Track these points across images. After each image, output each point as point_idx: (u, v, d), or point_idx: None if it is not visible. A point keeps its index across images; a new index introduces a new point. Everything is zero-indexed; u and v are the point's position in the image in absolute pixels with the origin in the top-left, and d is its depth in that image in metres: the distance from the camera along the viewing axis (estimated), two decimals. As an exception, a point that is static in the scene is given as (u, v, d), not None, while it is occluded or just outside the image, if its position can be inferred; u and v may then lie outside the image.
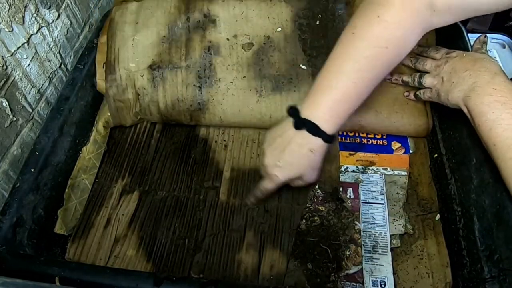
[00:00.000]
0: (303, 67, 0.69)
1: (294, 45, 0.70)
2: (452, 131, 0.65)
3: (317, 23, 0.71)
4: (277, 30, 0.71)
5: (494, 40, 1.30)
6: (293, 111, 0.56)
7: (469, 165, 0.58)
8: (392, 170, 0.67)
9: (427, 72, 0.63)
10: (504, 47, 1.30)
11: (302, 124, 0.54)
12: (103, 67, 0.72)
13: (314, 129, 0.54)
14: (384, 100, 0.68)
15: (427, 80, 0.62)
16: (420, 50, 0.65)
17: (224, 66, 0.70)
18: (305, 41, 0.71)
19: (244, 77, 0.70)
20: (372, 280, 0.58)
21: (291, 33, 0.71)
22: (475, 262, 0.53)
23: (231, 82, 0.70)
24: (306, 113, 0.54)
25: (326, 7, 0.72)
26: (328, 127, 0.54)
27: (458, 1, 0.51)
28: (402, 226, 0.61)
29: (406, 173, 0.67)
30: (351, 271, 0.58)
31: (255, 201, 0.63)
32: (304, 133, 0.54)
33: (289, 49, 0.70)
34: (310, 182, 0.60)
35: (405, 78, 0.66)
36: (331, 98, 0.53)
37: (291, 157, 0.56)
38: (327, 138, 0.54)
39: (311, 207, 0.63)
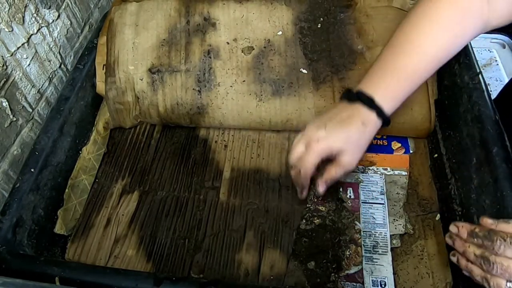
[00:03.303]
0: (304, 71, 0.69)
1: (294, 49, 0.70)
2: (452, 131, 0.65)
3: (318, 26, 0.71)
4: (278, 33, 0.71)
5: (494, 40, 1.30)
6: (346, 92, 0.53)
7: (469, 165, 0.58)
8: (392, 170, 0.67)
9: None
10: (504, 47, 1.30)
11: (357, 96, 0.51)
12: (103, 69, 0.72)
13: (369, 102, 0.50)
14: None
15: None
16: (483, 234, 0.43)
17: (224, 70, 0.70)
18: (306, 45, 0.70)
19: (244, 81, 0.70)
20: (372, 280, 0.58)
21: (291, 37, 0.71)
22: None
23: (231, 86, 0.70)
24: (362, 87, 0.52)
25: (327, 10, 0.72)
26: (384, 104, 0.51)
27: None
28: (402, 226, 0.61)
29: (406, 173, 0.67)
30: (351, 271, 0.58)
31: (303, 186, 0.56)
32: (358, 105, 0.51)
33: (289, 53, 0.70)
34: (348, 166, 0.53)
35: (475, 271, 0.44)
36: (390, 76, 0.51)
37: (340, 124, 0.51)
38: (382, 115, 0.51)
39: (311, 207, 0.63)
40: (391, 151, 0.70)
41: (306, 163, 0.52)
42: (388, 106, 0.51)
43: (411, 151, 0.69)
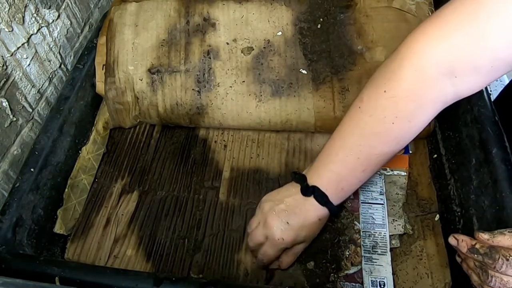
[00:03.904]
0: (304, 71, 0.69)
1: (294, 49, 0.70)
2: (451, 131, 0.65)
3: (318, 27, 0.71)
4: (277, 34, 0.71)
5: (494, 40, 1.30)
6: (299, 177, 0.54)
7: (469, 165, 0.58)
8: (392, 170, 0.67)
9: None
10: (504, 47, 1.29)
11: (311, 192, 0.52)
12: (102, 69, 0.73)
13: (322, 199, 0.52)
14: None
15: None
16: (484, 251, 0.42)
17: (224, 71, 0.70)
18: (306, 45, 0.70)
19: (244, 81, 0.70)
20: (371, 280, 0.58)
21: (291, 37, 0.71)
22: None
23: (230, 86, 0.70)
24: (313, 181, 0.53)
25: (327, 11, 0.71)
26: (334, 198, 0.52)
27: (489, 55, 0.41)
28: (402, 227, 0.61)
29: (405, 173, 0.67)
30: (351, 271, 0.58)
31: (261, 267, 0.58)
32: (312, 201, 0.52)
33: (289, 53, 0.70)
34: (301, 250, 0.56)
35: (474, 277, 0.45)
36: (336, 171, 0.52)
37: (301, 221, 0.52)
38: (334, 210, 0.53)
39: (311, 207, 0.63)
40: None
41: (268, 256, 0.55)
42: (338, 200, 0.53)
43: (410, 152, 0.69)
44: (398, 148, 0.50)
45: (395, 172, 0.67)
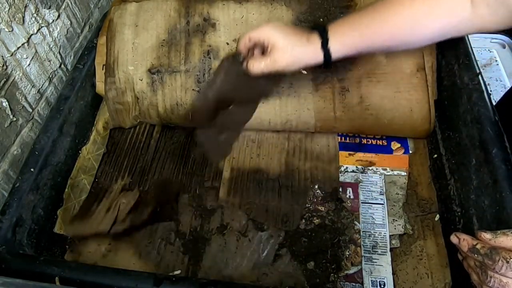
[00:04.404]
0: (304, 72, 0.69)
1: (294, 49, 0.70)
2: (451, 131, 0.65)
3: (318, 26, 0.71)
4: None
5: (494, 40, 1.30)
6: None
7: (469, 165, 0.58)
8: (392, 170, 0.67)
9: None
10: (504, 47, 1.30)
11: (315, 27, 0.56)
12: (102, 69, 0.73)
13: (321, 31, 0.55)
14: (387, 107, 0.67)
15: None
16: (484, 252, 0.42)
17: (224, 71, 0.70)
18: (306, 45, 0.70)
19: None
20: (371, 280, 0.58)
21: (291, 37, 0.71)
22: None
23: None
24: (326, 24, 0.56)
25: (327, 11, 0.71)
26: (333, 40, 0.54)
27: None
28: (402, 227, 0.61)
29: (405, 173, 0.67)
30: (351, 271, 0.58)
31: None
32: (312, 31, 0.55)
33: (289, 53, 0.70)
34: (276, 63, 0.56)
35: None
36: (352, 26, 0.55)
37: (287, 28, 0.56)
38: (326, 50, 0.55)
39: (311, 207, 0.63)
40: (390, 151, 0.70)
41: (250, 33, 0.57)
42: (335, 46, 0.55)
43: (410, 152, 0.69)
44: (418, 43, 0.56)
45: (395, 172, 0.67)
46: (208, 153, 0.66)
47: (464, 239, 0.44)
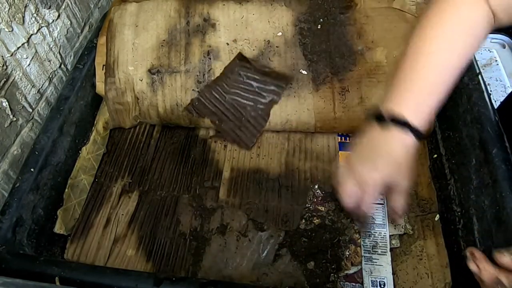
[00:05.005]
0: (304, 72, 0.69)
1: (294, 50, 0.70)
2: (451, 131, 0.65)
3: (318, 27, 0.71)
4: (278, 34, 0.71)
5: (494, 40, 1.30)
6: (371, 112, 0.52)
7: (469, 165, 0.58)
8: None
9: None
10: (504, 47, 1.30)
11: (392, 122, 0.50)
12: (102, 69, 0.73)
13: (405, 126, 0.49)
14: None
15: None
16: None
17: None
18: (306, 46, 0.70)
19: (244, 81, 0.70)
20: (371, 280, 0.58)
21: (291, 38, 0.71)
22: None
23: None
24: (393, 110, 0.50)
25: (327, 11, 0.71)
26: (418, 123, 0.50)
27: None
28: (402, 227, 0.61)
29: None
30: (351, 271, 0.58)
31: (362, 223, 0.58)
32: (394, 132, 0.50)
33: (289, 54, 0.70)
34: (407, 189, 0.52)
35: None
36: (419, 91, 0.50)
37: (387, 158, 0.50)
38: (419, 135, 0.50)
39: (311, 207, 0.63)
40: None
41: (367, 204, 0.52)
42: (421, 124, 0.50)
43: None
44: (467, 61, 0.51)
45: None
46: None
47: (484, 268, 0.42)
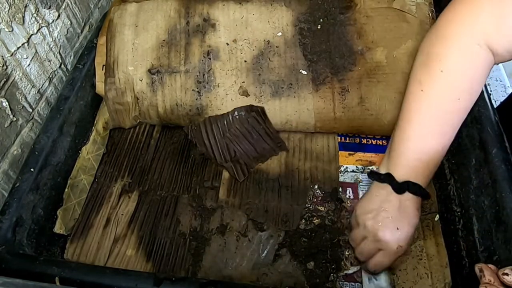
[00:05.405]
0: (304, 72, 0.69)
1: (294, 50, 0.70)
2: (451, 131, 0.65)
3: (318, 27, 0.71)
4: (277, 34, 0.71)
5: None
6: (386, 177, 0.55)
7: (469, 165, 0.58)
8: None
9: None
10: (504, 47, 1.29)
11: (405, 188, 0.53)
12: (102, 69, 0.73)
13: (418, 190, 0.53)
14: (387, 107, 0.67)
15: None
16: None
17: (224, 71, 0.70)
18: (306, 46, 0.70)
19: (244, 82, 0.70)
20: (371, 280, 0.58)
21: (291, 38, 0.71)
22: (474, 263, 0.53)
23: (230, 87, 0.70)
24: (402, 175, 0.54)
25: (327, 11, 0.71)
26: (424, 183, 0.54)
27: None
28: (402, 227, 0.61)
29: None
30: (350, 271, 0.58)
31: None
32: (408, 196, 0.53)
33: (289, 54, 0.70)
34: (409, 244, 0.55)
35: None
36: (420, 158, 0.53)
37: (407, 220, 0.53)
38: (427, 195, 0.55)
39: (311, 207, 0.63)
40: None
41: (383, 265, 0.55)
42: (426, 185, 0.55)
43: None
44: (465, 115, 0.54)
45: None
46: None
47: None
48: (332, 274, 0.57)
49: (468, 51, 0.50)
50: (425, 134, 0.53)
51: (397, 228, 0.52)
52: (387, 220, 0.53)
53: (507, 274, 0.40)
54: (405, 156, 0.54)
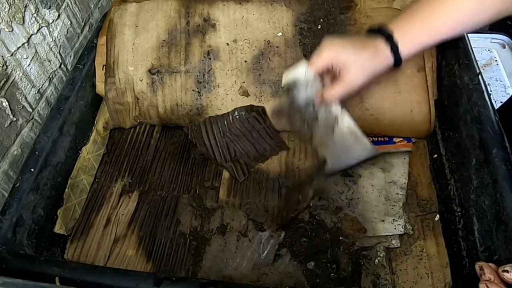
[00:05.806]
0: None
1: (294, 50, 0.70)
2: (451, 131, 0.65)
3: (319, 27, 0.71)
4: (278, 34, 0.71)
5: (494, 40, 1.30)
6: (371, 28, 0.56)
7: (469, 165, 0.58)
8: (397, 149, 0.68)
9: None
10: (504, 47, 1.30)
11: (378, 30, 0.54)
12: (102, 69, 0.73)
13: (387, 36, 0.54)
14: (387, 107, 0.67)
15: None
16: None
17: (224, 71, 0.70)
18: (306, 46, 0.70)
19: (244, 82, 0.70)
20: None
21: (291, 38, 0.71)
22: (475, 263, 0.53)
23: (230, 87, 0.70)
24: (386, 25, 0.55)
25: (327, 11, 0.71)
26: (401, 43, 0.54)
27: None
28: (402, 227, 0.61)
29: (408, 158, 0.67)
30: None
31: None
32: (376, 37, 0.54)
33: (289, 54, 0.70)
34: (350, 85, 0.55)
35: None
36: (416, 24, 0.54)
37: (353, 44, 0.54)
38: (396, 53, 0.54)
39: (311, 207, 0.63)
40: (393, 143, 0.70)
41: (313, 62, 0.56)
42: (404, 48, 0.54)
43: (413, 141, 0.69)
44: (474, 26, 0.55)
45: (396, 170, 0.67)
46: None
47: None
48: (332, 274, 0.57)
49: None
50: (430, 7, 0.54)
51: (353, 50, 0.54)
52: (350, 45, 0.54)
53: (507, 271, 0.40)
54: (401, 16, 0.55)
